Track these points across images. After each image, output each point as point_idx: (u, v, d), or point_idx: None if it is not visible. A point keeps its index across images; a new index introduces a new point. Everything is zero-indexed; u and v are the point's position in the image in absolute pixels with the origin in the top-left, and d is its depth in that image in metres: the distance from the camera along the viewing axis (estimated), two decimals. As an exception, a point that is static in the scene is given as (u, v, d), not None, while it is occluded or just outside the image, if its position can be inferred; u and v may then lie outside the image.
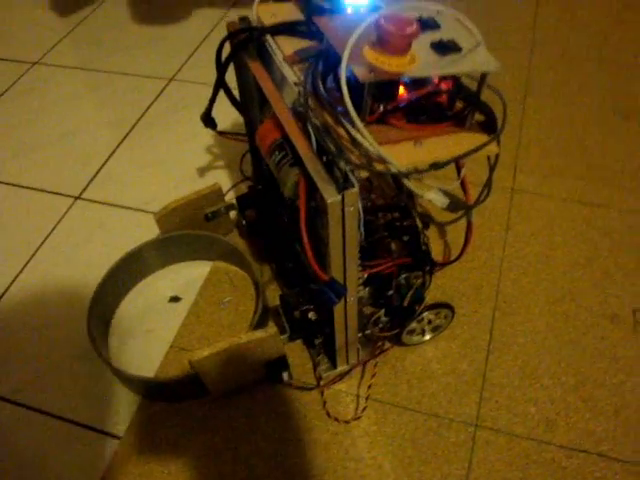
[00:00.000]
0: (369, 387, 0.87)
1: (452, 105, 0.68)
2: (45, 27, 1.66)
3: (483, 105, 0.66)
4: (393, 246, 0.87)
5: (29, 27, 1.68)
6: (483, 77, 0.64)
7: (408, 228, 0.89)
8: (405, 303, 0.86)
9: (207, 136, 1.27)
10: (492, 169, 0.73)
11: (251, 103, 0.91)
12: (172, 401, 0.88)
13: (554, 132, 1.24)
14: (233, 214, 1.05)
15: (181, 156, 1.25)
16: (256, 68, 0.79)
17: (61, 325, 0.99)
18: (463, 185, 0.81)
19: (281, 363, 0.84)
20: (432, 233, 1.04)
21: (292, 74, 0.72)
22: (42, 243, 1.11)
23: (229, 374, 0.83)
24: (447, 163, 0.64)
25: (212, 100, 0.91)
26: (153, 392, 0.88)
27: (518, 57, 1.43)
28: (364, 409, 0.85)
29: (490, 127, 0.67)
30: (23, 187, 1.22)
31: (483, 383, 0.88)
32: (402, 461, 0.81)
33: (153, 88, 1.43)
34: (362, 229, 0.68)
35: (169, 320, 0.97)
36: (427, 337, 0.91)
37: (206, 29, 1.60)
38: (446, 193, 0.69)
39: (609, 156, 1.19)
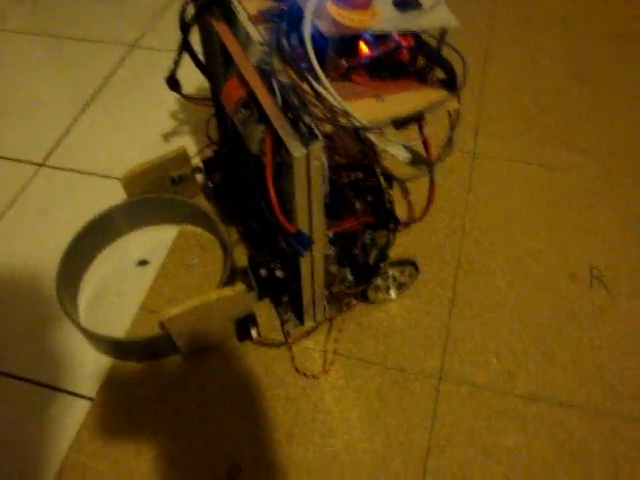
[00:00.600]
0: (336, 341, 0.89)
1: (414, 62, 0.69)
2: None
3: (444, 61, 0.67)
4: (358, 205, 0.89)
5: None
6: (443, 34, 0.66)
7: (372, 187, 0.91)
8: (370, 261, 0.88)
9: (172, 102, 1.26)
10: (453, 126, 0.75)
11: (216, 66, 0.91)
12: (142, 360, 0.89)
13: (515, 96, 1.27)
14: (199, 178, 1.06)
15: (146, 122, 1.24)
16: (221, 28, 0.79)
17: (31, 292, 0.98)
18: (425, 143, 0.83)
19: (249, 320, 0.86)
20: (396, 194, 1.06)
21: (257, 34, 0.73)
22: (7, 209, 1.10)
23: (199, 332, 0.85)
24: (408, 117, 0.65)
25: (176, 62, 0.91)
26: (124, 352, 0.89)
27: (479, 20, 1.45)
28: (332, 363, 0.88)
29: (451, 84, 0.69)
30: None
31: (446, 338, 0.91)
32: (369, 413, 0.84)
33: (116, 54, 1.41)
34: (327, 183, 0.69)
35: (138, 283, 0.98)
36: (392, 295, 0.94)
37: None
38: (409, 149, 0.71)
39: (569, 120, 1.22)
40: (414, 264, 0.90)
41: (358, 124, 0.63)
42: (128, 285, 0.98)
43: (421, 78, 0.69)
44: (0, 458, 0.82)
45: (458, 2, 0.72)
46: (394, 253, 0.90)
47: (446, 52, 0.68)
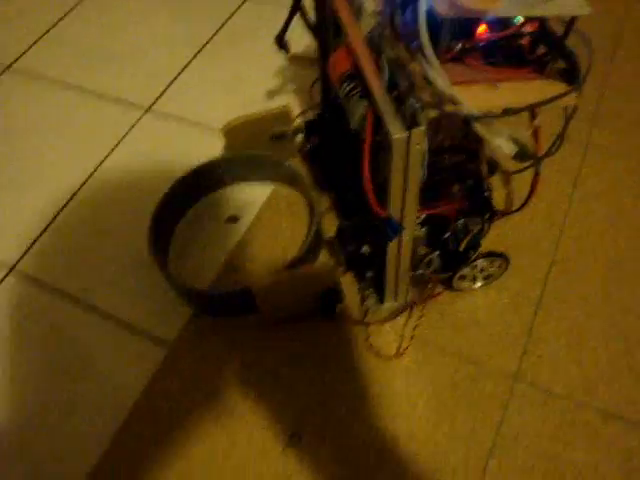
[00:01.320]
0: (414, 328, 0.88)
1: (534, 49, 0.65)
2: None
3: (567, 52, 0.63)
4: (454, 189, 0.86)
5: None
6: (571, 21, 0.61)
7: (472, 172, 0.87)
8: (460, 248, 0.86)
9: (281, 59, 1.25)
10: (567, 121, 0.70)
11: (326, 29, 0.89)
12: (222, 316, 0.91)
13: (642, 87, 1.17)
14: (298, 138, 1.05)
15: (252, 77, 1.24)
16: None
17: (126, 231, 1.03)
18: (535, 134, 0.78)
19: (335, 296, 0.86)
20: (496, 180, 1.01)
21: (371, 1, 0.70)
22: (112, 150, 1.14)
23: (285, 303, 0.86)
24: (521, 110, 0.61)
25: (287, 22, 0.90)
26: (205, 304, 0.91)
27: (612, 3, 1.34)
28: (407, 348, 0.87)
29: (572, 76, 0.64)
30: (96, 94, 1.25)
31: (528, 337, 0.87)
32: (437, 402, 0.83)
33: (229, 5, 1.41)
34: (425, 169, 0.67)
35: (225, 239, 1.00)
36: (478, 284, 0.91)
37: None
38: (516, 141, 0.67)
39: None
40: (505, 257, 0.86)
41: (465, 112, 0.60)
42: (216, 240, 1.00)
43: (540, 67, 0.65)
44: (79, 388, 0.87)
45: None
46: (486, 241, 0.86)
47: (572, 36, 0.63)
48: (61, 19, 1.43)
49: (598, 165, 1.05)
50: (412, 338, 0.87)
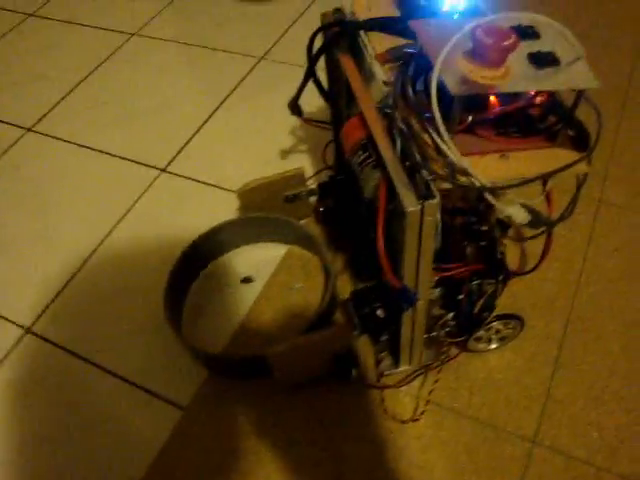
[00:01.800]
0: (430, 392, 0.87)
1: (544, 119, 0.66)
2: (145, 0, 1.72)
3: (577, 123, 0.64)
4: (468, 250, 0.86)
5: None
6: (580, 94, 0.62)
7: (485, 233, 0.87)
8: (475, 310, 0.85)
9: (293, 120, 1.27)
10: (579, 187, 0.71)
11: (339, 95, 0.92)
12: (237, 378, 0.91)
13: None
14: (312, 200, 1.06)
15: (267, 135, 1.27)
16: (346, 62, 0.79)
17: (141, 293, 1.04)
18: (547, 198, 0.78)
19: (351, 360, 0.86)
20: (508, 240, 1.01)
21: (382, 73, 0.72)
22: (128, 211, 1.16)
23: (300, 368, 0.86)
24: (532, 180, 0.62)
25: (300, 89, 0.92)
26: (220, 367, 0.91)
27: (618, 61, 1.36)
28: (422, 412, 0.86)
29: (582, 143, 0.65)
30: (114, 156, 1.28)
31: (546, 399, 0.86)
32: (454, 468, 0.82)
33: (243, 66, 1.45)
34: (439, 239, 0.67)
35: (240, 300, 1.00)
36: (493, 346, 0.90)
37: (301, 8, 1.60)
38: (528, 209, 0.67)
39: None
40: (520, 319, 0.86)
41: (478, 184, 0.61)
42: (231, 301, 1.01)
43: (550, 136, 0.66)
44: (94, 450, 0.87)
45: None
46: (501, 302, 0.86)
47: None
48: (82, 80, 1.47)
49: (611, 222, 1.05)
50: (428, 403, 0.86)
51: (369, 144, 0.70)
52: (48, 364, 0.96)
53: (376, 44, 0.75)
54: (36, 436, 0.89)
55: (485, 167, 0.62)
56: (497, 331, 0.87)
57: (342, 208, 1.01)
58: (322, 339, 0.81)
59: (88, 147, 1.30)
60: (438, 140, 0.61)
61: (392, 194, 0.65)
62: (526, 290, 0.97)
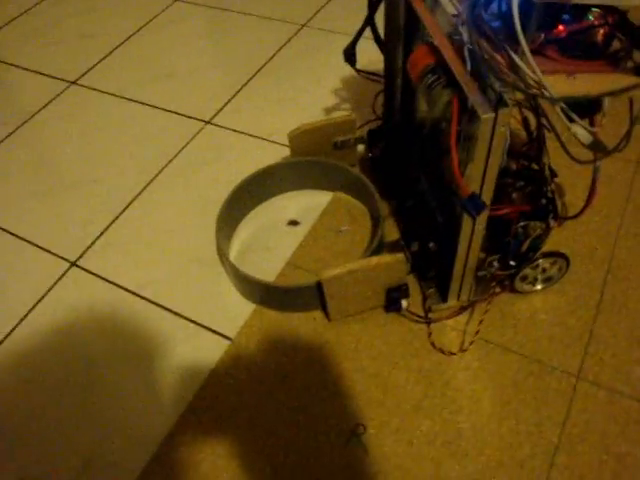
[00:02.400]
0: (480, 322, 0.89)
1: (609, 44, 0.69)
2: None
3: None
4: (518, 193, 0.89)
5: None
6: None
7: (535, 177, 0.90)
8: (522, 249, 0.88)
9: (337, 80, 1.31)
10: (634, 120, 0.74)
11: (395, 42, 0.94)
12: (283, 309, 0.93)
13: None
14: (360, 148, 1.09)
15: (311, 95, 1.30)
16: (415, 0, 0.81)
17: (191, 231, 1.06)
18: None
19: (402, 291, 0.88)
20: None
21: (450, 5, 0.74)
22: (173, 158, 1.19)
23: (351, 296, 0.87)
24: (600, 96, 0.65)
25: (358, 35, 0.95)
26: (268, 298, 0.94)
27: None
28: (471, 343, 0.88)
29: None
30: (159, 108, 1.30)
31: (589, 339, 0.88)
32: (501, 398, 0.83)
33: (286, 32, 1.49)
34: (505, 156, 0.70)
35: (287, 241, 1.03)
36: (538, 287, 0.93)
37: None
38: (590, 131, 0.70)
39: None
40: (566, 258, 0.88)
41: (549, 95, 0.63)
42: (277, 241, 1.03)
43: (614, 62, 0.68)
44: (143, 376, 0.89)
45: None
46: (545, 248, 0.89)
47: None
48: (122, 42, 1.51)
49: (649, 181, 1.08)
50: (477, 333, 0.88)
51: (438, 68, 0.72)
52: (96, 297, 0.98)
53: None
54: (83, 359, 0.91)
55: (554, 84, 0.64)
56: (544, 270, 0.90)
57: (390, 155, 1.04)
58: (377, 266, 0.83)
59: (131, 100, 1.33)
60: (513, 55, 0.64)
61: (464, 109, 0.67)
62: (568, 240, 0.99)
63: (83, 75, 1.41)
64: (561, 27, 0.67)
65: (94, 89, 1.37)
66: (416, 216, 0.97)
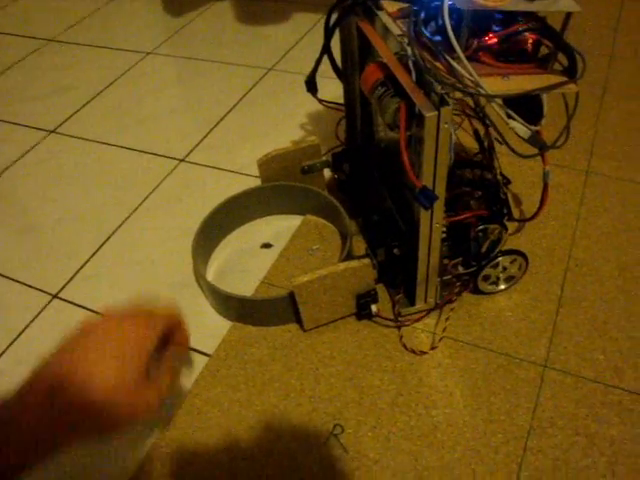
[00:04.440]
0: (444, 327, 0.94)
1: (537, 50, 0.76)
2: (159, 25, 1.87)
3: (566, 45, 0.73)
4: (474, 199, 0.95)
5: (146, 25, 1.89)
6: (567, 19, 0.72)
7: (488, 183, 0.97)
8: (482, 250, 0.93)
9: (303, 115, 1.38)
10: (570, 116, 0.80)
11: (352, 70, 1.02)
12: (260, 324, 0.97)
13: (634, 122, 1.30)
14: (326, 173, 1.15)
15: (279, 130, 1.37)
16: (364, 25, 0.88)
17: (169, 259, 1.11)
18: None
19: (371, 296, 0.92)
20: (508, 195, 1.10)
21: (396, 27, 0.81)
22: (151, 192, 1.25)
23: (324, 304, 0.92)
24: (534, 92, 0.71)
25: (317, 63, 1.01)
26: (244, 312, 0.97)
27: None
28: (441, 339, 0.92)
29: (571, 72, 0.75)
30: (136, 150, 1.37)
31: (553, 331, 0.93)
32: (472, 391, 0.87)
33: (253, 75, 1.58)
34: (452, 153, 0.76)
35: (261, 262, 1.07)
36: (502, 286, 0.97)
37: (304, 30, 1.74)
38: (527, 127, 0.77)
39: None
40: (524, 255, 0.94)
41: (484, 92, 0.70)
42: (251, 263, 1.07)
43: (543, 65, 0.75)
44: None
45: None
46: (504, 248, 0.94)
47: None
48: (99, 93, 1.58)
49: (599, 187, 1.15)
50: (444, 330, 0.93)
51: (387, 81, 0.79)
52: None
53: (387, 7, 0.86)
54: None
55: (490, 85, 0.71)
56: (504, 268, 0.95)
57: (355, 175, 1.10)
58: (344, 270, 0.87)
59: (108, 144, 1.40)
60: (450, 60, 0.71)
61: (411, 114, 0.74)
62: (526, 243, 1.05)
63: (61, 124, 1.47)
64: (491, 35, 0.74)
65: (72, 136, 1.43)
66: (381, 228, 1.02)
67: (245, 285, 1.03)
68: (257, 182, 1.17)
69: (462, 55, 0.70)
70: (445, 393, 0.87)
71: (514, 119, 0.75)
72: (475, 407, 0.85)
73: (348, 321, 0.97)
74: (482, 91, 0.70)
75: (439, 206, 0.80)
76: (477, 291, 0.97)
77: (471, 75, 0.70)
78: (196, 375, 0.93)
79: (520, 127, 0.75)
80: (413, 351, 0.92)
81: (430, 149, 0.72)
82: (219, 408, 0.89)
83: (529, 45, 0.76)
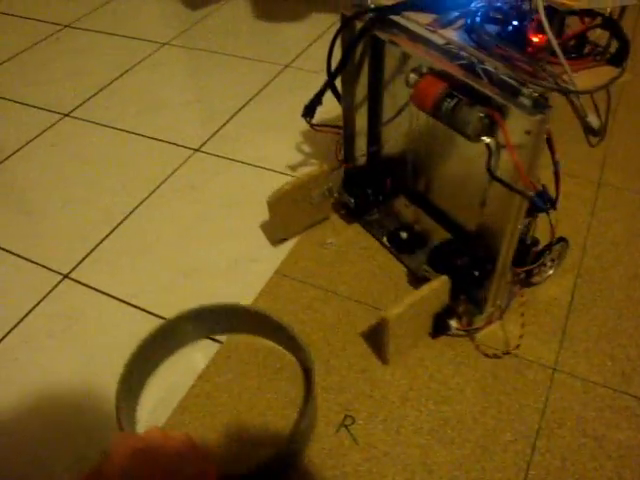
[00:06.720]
0: (522, 315, 0.95)
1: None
2: (176, 17, 1.89)
3: (622, 33, 0.73)
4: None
5: (163, 16, 1.93)
6: (622, 12, 0.72)
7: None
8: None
9: (318, 112, 1.38)
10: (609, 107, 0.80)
11: (353, 99, 1.02)
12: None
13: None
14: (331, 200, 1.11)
15: (294, 125, 1.37)
16: (398, 38, 0.85)
17: (179, 244, 1.11)
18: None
19: (449, 312, 0.92)
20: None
21: (438, 38, 0.79)
22: (164, 181, 1.26)
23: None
24: (606, 86, 0.71)
25: (320, 95, 0.99)
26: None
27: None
28: (521, 336, 0.93)
29: (619, 61, 0.74)
30: (150, 138, 1.38)
31: (562, 336, 0.94)
32: (483, 389, 0.88)
33: (270, 71, 1.60)
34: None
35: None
36: (549, 272, 1.00)
37: (321, 29, 1.77)
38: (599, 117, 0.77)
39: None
40: (565, 240, 0.97)
41: (573, 89, 0.68)
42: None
43: (595, 59, 0.74)
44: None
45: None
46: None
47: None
48: (114, 80, 1.59)
49: (610, 198, 1.17)
50: (522, 326, 0.94)
51: (454, 91, 0.77)
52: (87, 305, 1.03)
53: (417, 20, 0.83)
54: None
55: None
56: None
57: (370, 195, 1.07)
58: (430, 292, 0.86)
59: (122, 130, 1.41)
60: (542, 62, 0.69)
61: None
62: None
63: (76, 108, 1.48)
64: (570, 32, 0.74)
65: (87, 120, 1.43)
66: (413, 246, 1.03)
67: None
68: (277, 176, 1.18)
69: (562, 56, 0.68)
70: (456, 389, 0.88)
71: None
72: (485, 405, 0.86)
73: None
74: (572, 87, 0.69)
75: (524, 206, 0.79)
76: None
77: (567, 74, 0.68)
78: (207, 361, 0.93)
79: (595, 119, 0.76)
80: (496, 356, 0.92)
81: (537, 151, 0.72)
82: (228, 394, 0.89)
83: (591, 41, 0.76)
